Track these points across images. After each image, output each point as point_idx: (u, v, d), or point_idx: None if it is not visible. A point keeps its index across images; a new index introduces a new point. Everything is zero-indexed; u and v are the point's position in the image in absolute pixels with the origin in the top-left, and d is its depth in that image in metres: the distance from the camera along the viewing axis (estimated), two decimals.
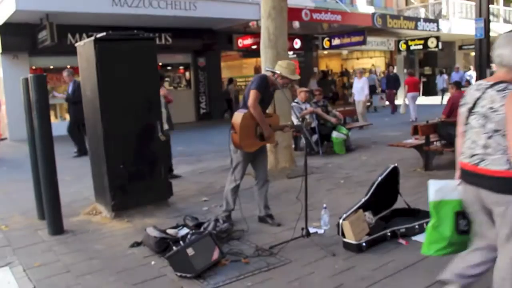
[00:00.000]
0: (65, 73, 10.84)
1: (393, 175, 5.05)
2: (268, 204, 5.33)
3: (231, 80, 21.00)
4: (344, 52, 26.48)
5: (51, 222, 5.20)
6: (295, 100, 9.88)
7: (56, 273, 4.13)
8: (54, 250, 4.72)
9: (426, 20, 23.36)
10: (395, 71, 21.31)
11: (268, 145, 7.78)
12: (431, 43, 23.57)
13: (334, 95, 24.07)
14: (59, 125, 14.86)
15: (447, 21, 25.45)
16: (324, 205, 5.09)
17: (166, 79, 19.03)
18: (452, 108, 8.70)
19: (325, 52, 24.50)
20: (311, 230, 4.65)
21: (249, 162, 5.20)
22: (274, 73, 4.96)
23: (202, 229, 4.63)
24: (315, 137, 9.35)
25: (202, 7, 14.70)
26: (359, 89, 15.09)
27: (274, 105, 7.00)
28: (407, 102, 16.78)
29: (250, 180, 5.54)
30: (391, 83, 19.77)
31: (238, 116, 4.86)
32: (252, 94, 4.78)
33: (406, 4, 27.56)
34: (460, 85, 9.34)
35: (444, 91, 22.43)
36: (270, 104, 5.23)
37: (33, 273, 4.14)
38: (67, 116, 16.46)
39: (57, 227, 5.21)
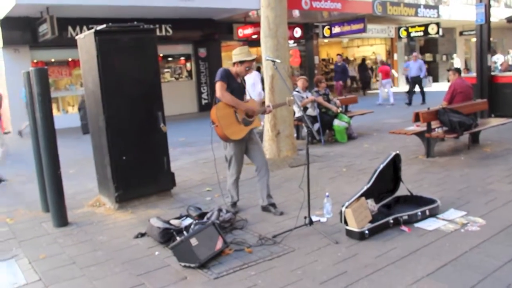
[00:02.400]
0: None
1: (395, 162, 5.04)
2: (271, 193, 5.32)
3: (258, 69, 20.81)
4: (345, 40, 26.36)
5: (55, 214, 5.21)
6: (296, 89, 9.83)
7: (61, 264, 4.15)
8: (59, 242, 4.73)
9: (426, 6, 23.20)
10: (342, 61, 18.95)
11: (269, 134, 7.80)
12: (432, 29, 23.43)
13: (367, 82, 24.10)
14: (62, 118, 14.92)
15: (447, 7, 25.28)
16: (327, 194, 5.08)
17: (167, 70, 18.98)
18: (453, 95, 8.67)
19: (326, 40, 24.39)
20: (314, 218, 4.65)
21: (243, 153, 5.23)
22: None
23: (205, 219, 4.62)
24: (316, 125, 9.31)
25: None
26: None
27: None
28: (386, 90, 17.39)
29: (251, 170, 5.53)
30: (338, 74, 18.60)
31: (212, 110, 4.92)
32: (217, 85, 4.89)
33: None
34: (460, 72, 9.28)
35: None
36: (243, 94, 5.24)
37: (39, 265, 4.15)
38: (70, 109, 16.54)
39: (61, 219, 5.22)
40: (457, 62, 23.12)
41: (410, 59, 18.66)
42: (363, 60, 24.52)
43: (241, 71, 5.06)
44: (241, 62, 5.00)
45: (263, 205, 5.28)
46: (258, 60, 22.42)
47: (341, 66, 18.57)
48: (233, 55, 5.06)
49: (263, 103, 6.97)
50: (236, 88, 5.06)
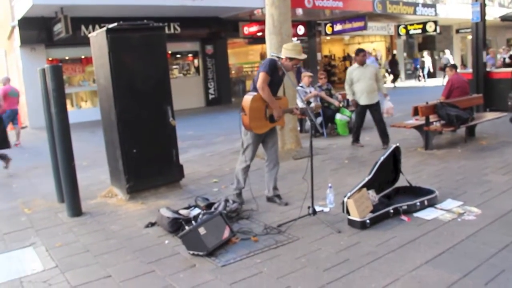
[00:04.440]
0: None
1: (395, 154, 5.01)
2: (277, 186, 5.29)
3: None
4: (346, 37, 26.24)
5: (70, 205, 5.22)
6: (300, 84, 9.81)
7: (76, 252, 4.15)
8: (74, 231, 4.74)
9: (425, 5, 23.04)
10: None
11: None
12: (430, 27, 23.32)
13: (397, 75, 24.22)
14: (75, 112, 14.96)
15: (445, 6, 25.12)
16: (329, 185, 5.06)
17: (175, 66, 18.96)
18: (450, 90, 8.62)
19: (328, 37, 24.29)
20: (317, 208, 4.63)
21: (259, 144, 5.15)
22: (280, 58, 4.87)
23: (213, 209, 4.62)
24: (319, 119, 9.29)
25: None
26: None
27: (284, 89, 6.93)
28: None
29: (258, 162, 5.50)
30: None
31: (247, 98, 4.79)
32: (261, 76, 4.73)
33: None
34: (456, 68, 9.22)
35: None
36: (279, 87, 5.14)
37: (55, 253, 4.16)
38: (83, 104, 16.57)
39: (75, 210, 5.23)
40: (449, 58, 23.08)
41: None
42: (394, 55, 24.49)
43: (288, 66, 4.88)
44: (291, 59, 4.84)
45: (269, 196, 5.25)
46: (263, 56, 22.43)
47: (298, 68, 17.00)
48: (284, 49, 4.86)
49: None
50: (276, 81, 4.94)
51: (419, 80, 25.35)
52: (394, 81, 23.44)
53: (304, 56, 4.93)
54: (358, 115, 8.15)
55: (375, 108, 7.89)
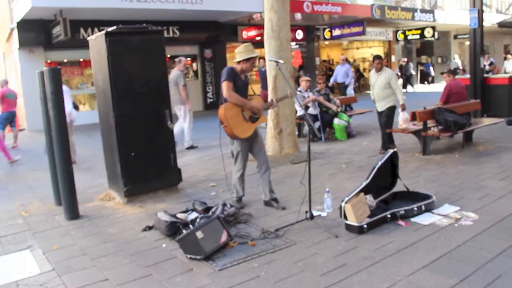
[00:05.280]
0: None
1: (393, 159, 5.02)
2: (273, 188, 5.30)
3: (301, 67, 20.71)
4: (345, 42, 26.28)
5: (67, 208, 5.21)
6: (298, 89, 9.81)
7: (73, 255, 4.15)
8: (71, 234, 4.73)
9: (423, 10, 23.08)
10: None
11: (272, 132, 7.78)
12: (428, 33, 23.38)
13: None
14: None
15: (443, 12, 25.20)
16: (327, 189, 5.06)
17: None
18: (448, 95, 8.64)
19: (326, 42, 24.30)
20: (315, 213, 4.63)
21: (248, 149, 5.20)
22: (239, 62, 4.96)
23: (210, 213, 4.62)
24: (317, 124, 9.30)
25: (208, 1, 14.56)
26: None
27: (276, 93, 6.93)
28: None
29: (253, 166, 5.51)
30: (264, 81, 12.18)
31: (221, 110, 4.88)
32: (224, 86, 4.82)
33: None
34: (454, 73, 9.25)
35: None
36: (247, 90, 5.22)
37: (52, 256, 4.16)
38: (81, 107, 16.54)
39: (73, 213, 5.22)
40: (458, 63, 23.12)
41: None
42: (408, 61, 24.67)
43: (248, 68, 5.00)
44: (247, 60, 4.94)
45: (266, 200, 5.26)
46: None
47: (265, 72, 13.63)
48: (237, 54, 4.99)
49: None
50: (241, 85, 5.02)
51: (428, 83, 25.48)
52: (405, 86, 23.65)
53: (255, 53, 5.02)
54: (378, 119, 8.29)
55: (384, 114, 7.96)
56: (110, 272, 3.76)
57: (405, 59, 24.25)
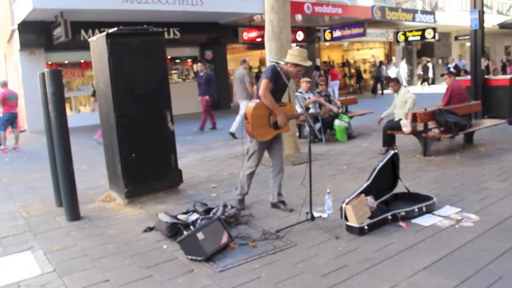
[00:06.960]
0: None
1: (393, 160, 5.02)
2: (282, 192, 5.26)
3: (318, 68, 20.69)
4: (345, 43, 26.31)
5: (68, 209, 5.21)
6: (299, 90, 9.83)
7: (74, 256, 4.15)
8: (72, 235, 4.73)
9: (423, 12, 23.11)
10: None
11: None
12: (428, 34, 23.41)
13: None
14: (74, 117, 14.96)
15: (443, 13, 25.22)
16: (328, 190, 5.06)
17: (174, 71, 18.98)
18: (450, 96, 8.64)
19: (327, 43, 24.34)
20: (316, 214, 4.63)
21: (265, 150, 5.11)
22: (286, 63, 4.80)
23: (211, 214, 4.62)
24: (318, 125, 9.30)
25: (209, 2, 14.60)
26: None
27: (289, 96, 6.93)
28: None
29: (259, 168, 5.50)
30: (202, 87, 12.47)
31: (250, 106, 4.76)
32: (263, 83, 4.68)
33: None
34: (455, 75, 9.26)
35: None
36: (283, 93, 5.06)
37: (53, 257, 4.16)
38: (82, 109, 16.57)
39: (74, 214, 5.22)
40: (465, 64, 23.11)
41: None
42: (428, 61, 25.20)
43: (293, 73, 4.83)
44: (296, 65, 4.78)
45: (273, 202, 5.21)
46: (262, 62, 22.50)
47: (204, 77, 12.50)
48: (290, 55, 4.78)
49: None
50: (280, 87, 4.87)
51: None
52: (422, 83, 24.47)
53: (309, 63, 4.87)
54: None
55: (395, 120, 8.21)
56: (111, 273, 3.76)
57: (404, 59, 24.42)
